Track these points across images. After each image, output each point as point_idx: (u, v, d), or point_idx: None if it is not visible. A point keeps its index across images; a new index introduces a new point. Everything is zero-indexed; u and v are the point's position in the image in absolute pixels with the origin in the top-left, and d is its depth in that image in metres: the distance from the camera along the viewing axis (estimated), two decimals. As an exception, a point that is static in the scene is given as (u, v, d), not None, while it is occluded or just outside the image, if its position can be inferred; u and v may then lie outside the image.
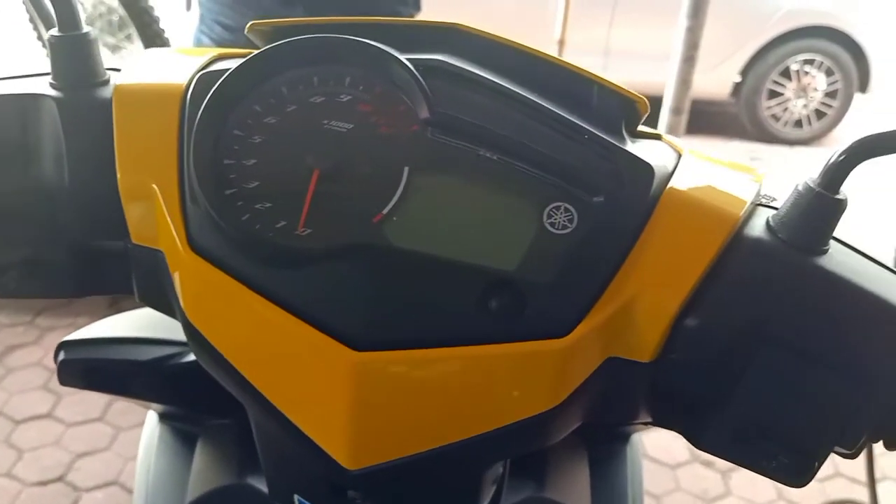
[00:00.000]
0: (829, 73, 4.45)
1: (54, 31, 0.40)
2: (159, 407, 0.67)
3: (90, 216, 0.40)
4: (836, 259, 0.35)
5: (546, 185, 0.36)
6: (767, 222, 0.36)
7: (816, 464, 0.35)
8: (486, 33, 0.41)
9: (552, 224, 0.36)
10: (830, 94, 4.49)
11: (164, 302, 0.40)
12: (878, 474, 1.88)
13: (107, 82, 0.41)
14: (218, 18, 1.36)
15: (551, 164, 0.37)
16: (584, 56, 4.20)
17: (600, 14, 4.33)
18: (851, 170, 0.33)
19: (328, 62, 0.39)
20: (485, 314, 0.35)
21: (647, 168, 0.37)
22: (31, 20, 2.79)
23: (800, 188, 0.35)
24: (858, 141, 0.33)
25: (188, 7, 2.29)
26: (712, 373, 0.36)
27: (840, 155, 0.33)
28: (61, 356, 0.57)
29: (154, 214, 0.38)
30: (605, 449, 0.67)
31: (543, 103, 0.38)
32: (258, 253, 0.36)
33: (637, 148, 0.39)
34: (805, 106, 4.51)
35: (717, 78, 4.39)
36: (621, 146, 0.37)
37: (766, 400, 0.35)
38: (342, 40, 0.39)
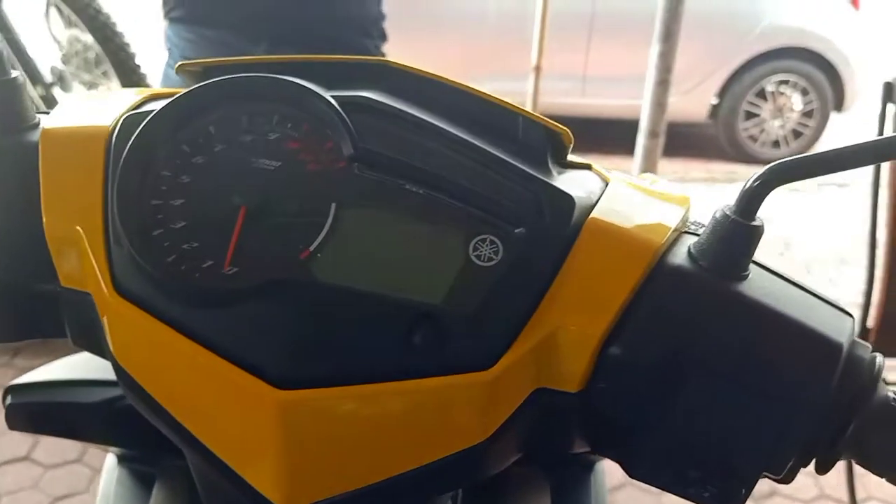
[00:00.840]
0: (804, 93, 4.52)
1: None
2: (117, 449, 0.66)
3: (20, 260, 0.40)
4: (755, 284, 0.36)
5: (471, 217, 0.37)
6: (689, 250, 0.37)
7: (744, 490, 0.35)
8: (414, 69, 0.41)
9: (478, 256, 0.36)
10: (807, 114, 4.55)
11: (97, 344, 0.40)
12: (863, 494, 1.87)
13: (36, 126, 0.41)
14: (185, 54, 1.37)
15: (475, 197, 0.37)
16: (561, 81, 4.25)
17: (576, 39, 4.39)
18: (765, 196, 0.34)
19: (253, 101, 0.39)
20: (410, 348, 0.35)
21: (566, 198, 0.37)
22: None
23: (717, 215, 0.35)
24: (770, 168, 0.33)
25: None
26: (639, 401, 0.36)
27: (753, 182, 0.34)
28: (8, 400, 0.56)
29: (79, 257, 0.38)
30: (567, 477, 0.66)
31: (467, 137, 0.38)
32: (183, 294, 0.36)
33: (562, 179, 0.39)
34: (782, 126, 4.57)
35: (694, 100, 4.46)
36: (543, 178, 0.38)
37: (691, 427, 0.35)
38: (266, 79, 0.39)
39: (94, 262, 0.37)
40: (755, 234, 0.35)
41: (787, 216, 3.69)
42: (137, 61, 2.42)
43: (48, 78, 2.74)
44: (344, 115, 0.38)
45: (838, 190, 4.07)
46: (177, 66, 0.42)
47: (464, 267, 0.36)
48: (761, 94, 4.52)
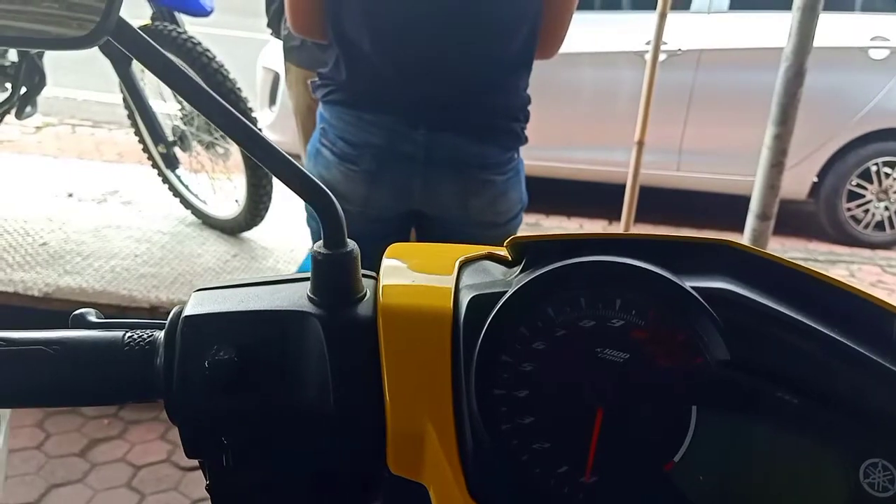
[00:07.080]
0: (910, 175, 4.35)
1: (320, 248, 0.39)
2: None
3: (349, 442, 0.38)
4: None
5: (859, 435, 0.33)
6: None
7: None
8: (761, 252, 0.38)
9: (870, 484, 0.32)
10: (913, 198, 4.38)
11: None
12: None
13: (364, 297, 0.40)
14: (342, 135, 1.38)
15: (863, 412, 0.33)
16: (656, 154, 4.21)
17: (674, 114, 4.35)
18: None
19: (607, 287, 0.37)
20: None
21: None
22: (141, 141, 2.92)
23: None
24: None
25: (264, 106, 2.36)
26: None
27: None
28: None
29: (421, 448, 0.36)
30: None
31: (847, 340, 0.35)
32: (541, 502, 0.33)
33: None
34: (887, 208, 4.39)
35: (794, 178, 4.32)
36: None
37: None
38: (627, 267, 0.36)
39: (445, 459, 0.35)
40: None
41: None
42: (260, 126, 2.49)
43: (170, 137, 2.85)
44: (713, 312, 0.35)
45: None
46: (507, 241, 0.40)
47: (853, 496, 0.32)
48: (865, 175, 4.37)
